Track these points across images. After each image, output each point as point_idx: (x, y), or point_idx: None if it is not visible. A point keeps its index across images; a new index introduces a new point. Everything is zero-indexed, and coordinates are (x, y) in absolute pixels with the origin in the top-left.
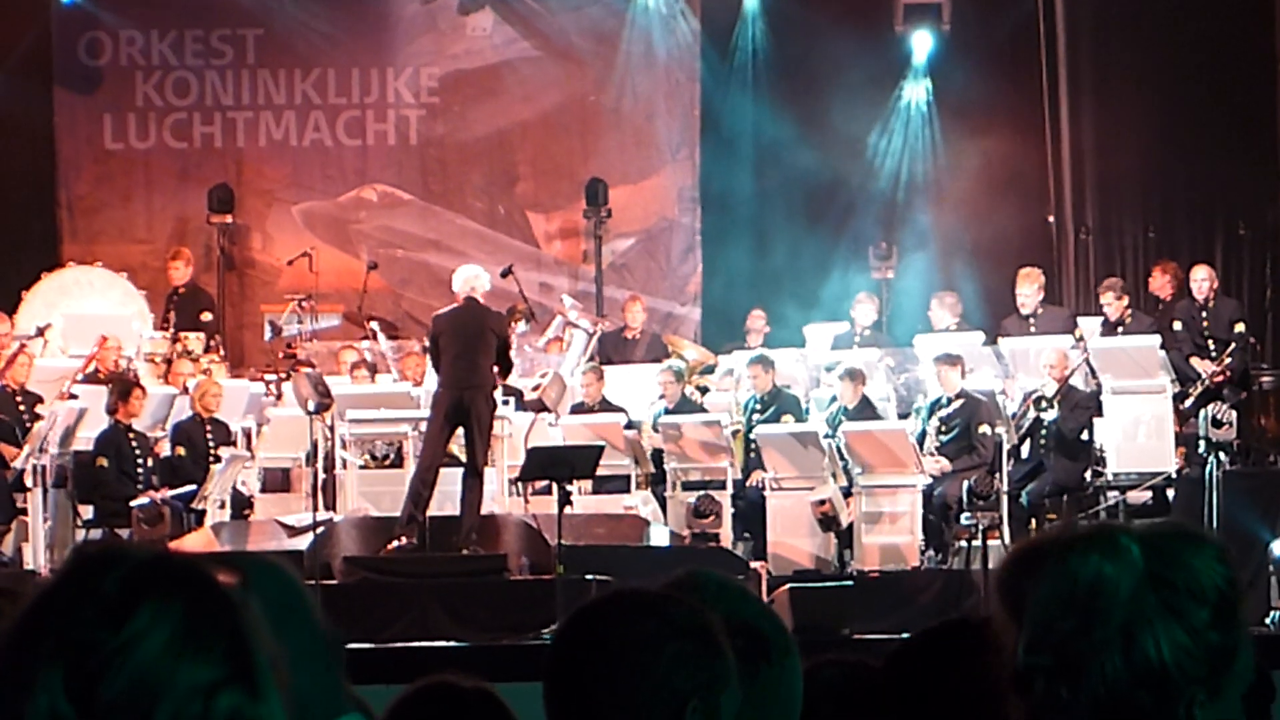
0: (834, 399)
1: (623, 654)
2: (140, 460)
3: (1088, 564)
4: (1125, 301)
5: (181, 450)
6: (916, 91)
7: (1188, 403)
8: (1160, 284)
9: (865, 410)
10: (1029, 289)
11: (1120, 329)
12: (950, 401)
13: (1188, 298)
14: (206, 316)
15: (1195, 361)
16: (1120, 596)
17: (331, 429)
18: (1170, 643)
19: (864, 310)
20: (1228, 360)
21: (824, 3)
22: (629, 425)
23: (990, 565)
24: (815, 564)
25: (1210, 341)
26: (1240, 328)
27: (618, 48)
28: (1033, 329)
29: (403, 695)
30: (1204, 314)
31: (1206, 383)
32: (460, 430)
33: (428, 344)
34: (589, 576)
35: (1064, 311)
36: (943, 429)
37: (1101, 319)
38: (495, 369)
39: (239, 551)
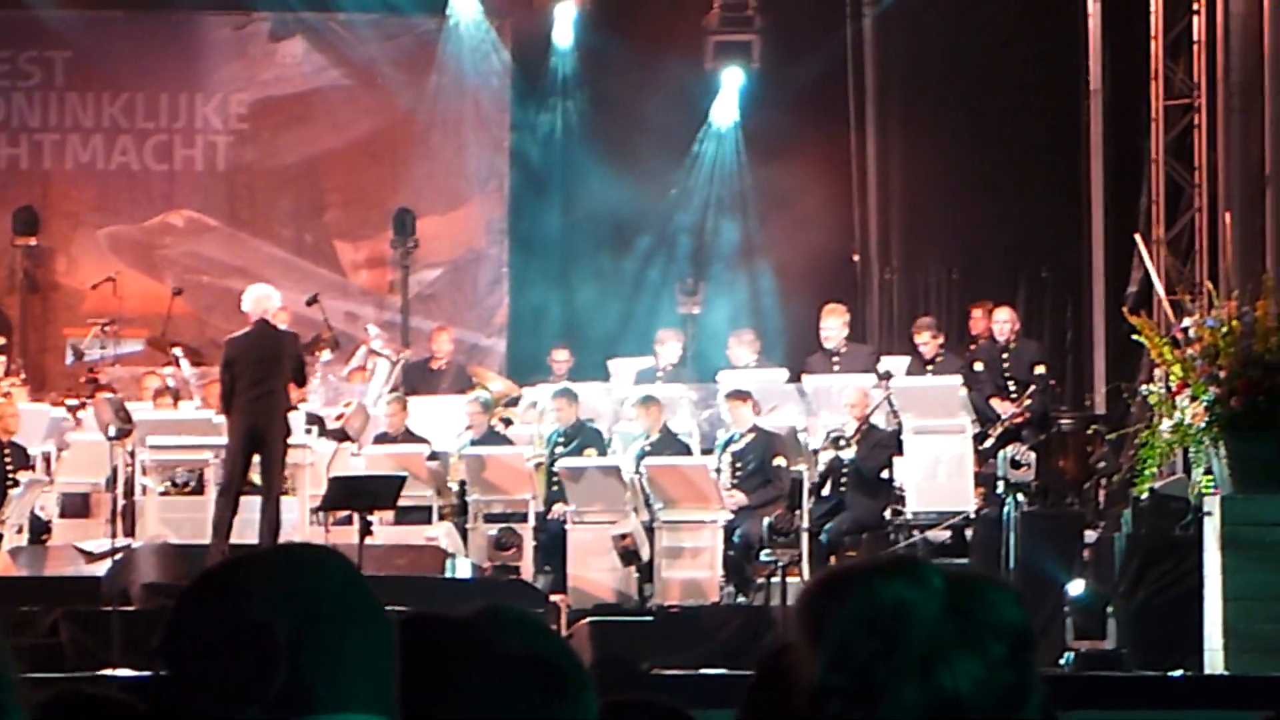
0: (645, 434)
1: (419, 681)
2: None
3: (891, 589)
4: (939, 340)
5: None
6: (726, 128)
7: (987, 443)
8: (976, 322)
9: (671, 442)
10: (834, 324)
11: (930, 368)
12: (742, 437)
13: (989, 338)
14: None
15: (995, 402)
16: (922, 624)
17: (132, 454)
18: (966, 675)
19: (666, 348)
20: (1028, 402)
21: (635, 38)
22: (432, 456)
23: (789, 602)
24: (616, 598)
25: (1011, 383)
26: (1041, 370)
27: (428, 78)
28: (836, 366)
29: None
30: (1005, 355)
31: (1006, 424)
32: (257, 457)
33: (220, 369)
34: (389, 607)
35: (867, 349)
36: (737, 464)
37: (908, 358)
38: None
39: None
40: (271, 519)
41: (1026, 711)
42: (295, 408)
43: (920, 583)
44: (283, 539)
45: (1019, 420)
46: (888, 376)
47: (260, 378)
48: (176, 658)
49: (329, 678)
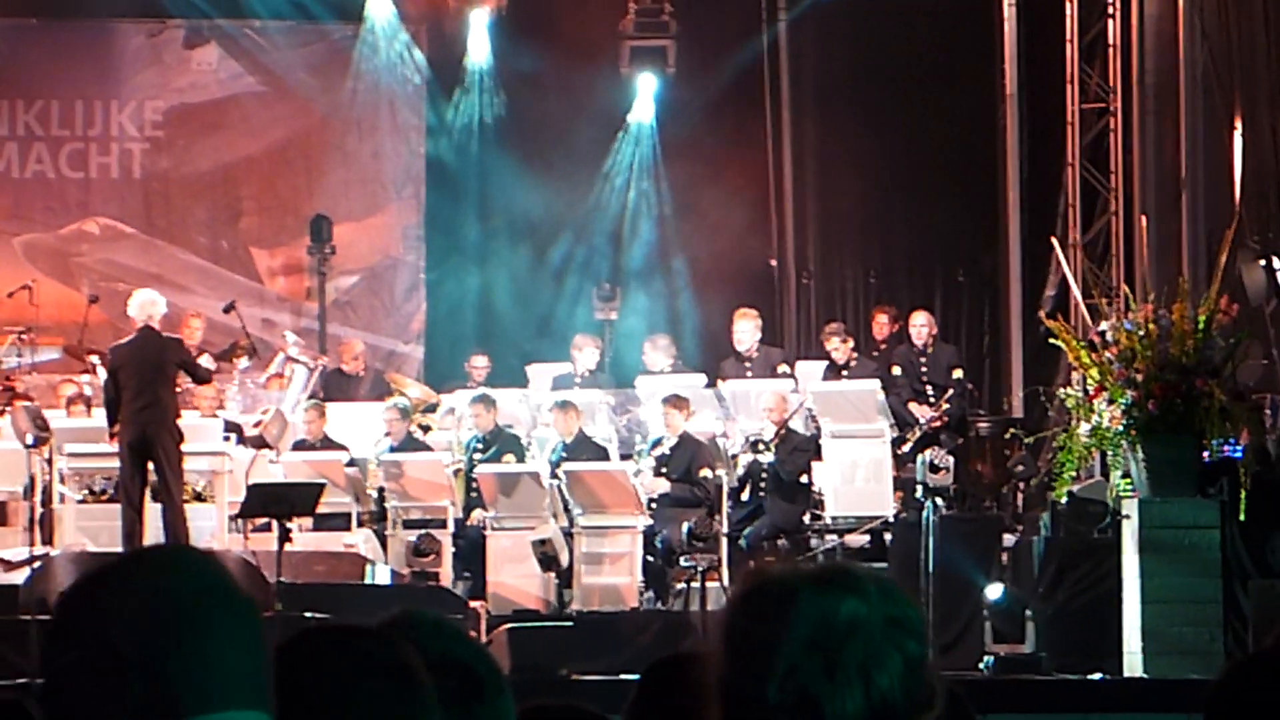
0: (561, 440)
1: (317, 691)
2: None
3: (843, 605)
4: (850, 344)
5: None
6: (641, 134)
7: (905, 447)
8: (879, 326)
9: (586, 446)
10: (746, 327)
11: (845, 373)
12: (668, 441)
13: (906, 342)
14: None
15: (913, 406)
16: (865, 635)
17: (50, 462)
18: (895, 675)
19: (584, 354)
20: (945, 406)
21: (551, 44)
22: (350, 463)
23: (709, 607)
24: (535, 604)
25: (929, 387)
26: (958, 374)
27: (344, 84)
28: (749, 370)
29: None
30: (923, 359)
31: (924, 428)
32: (151, 465)
33: (105, 380)
34: (308, 614)
35: (780, 352)
36: (662, 469)
37: (826, 363)
38: (184, 390)
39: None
40: (174, 526)
41: (935, 704)
42: (181, 414)
43: (865, 596)
44: (202, 546)
45: (937, 424)
46: (793, 378)
47: (144, 387)
48: (46, 688)
49: (194, 681)
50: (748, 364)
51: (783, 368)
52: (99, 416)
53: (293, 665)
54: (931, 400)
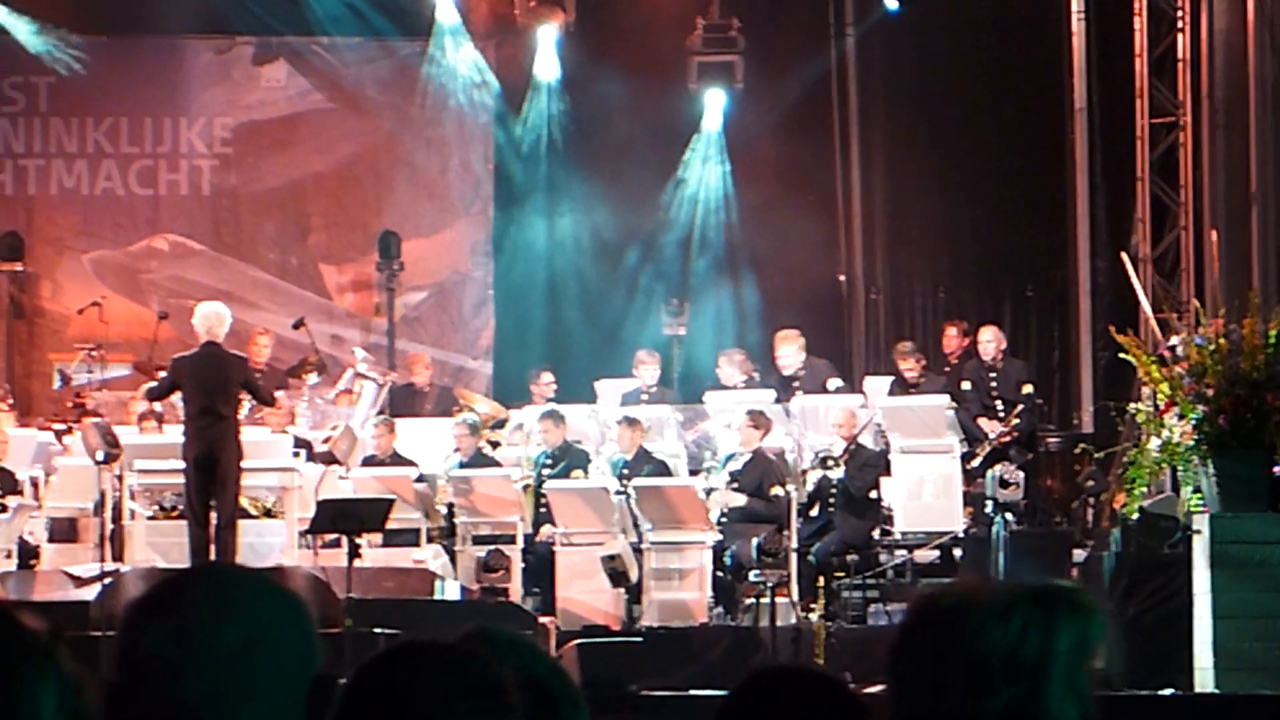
0: (622, 455)
1: (414, 708)
2: None
3: (1053, 630)
4: (923, 364)
5: None
6: (709, 149)
7: (975, 463)
8: (950, 341)
9: (644, 461)
10: (789, 351)
11: (913, 390)
12: (741, 457)
13: (976, 358)
14: None
15: (983, 422)
16: (1076, 652)
17: (120, 479)
18: (1082, 698)
19: (646, 370)
20: (1015, 421)
21: (619, 59)
22: (420, 478)
23: (778, 622)
24: (604, 619)
25: (998, 402)
26: (1028, 389)
27: (412, 100)
28: (798, 388)
29: None
30: (992, 375)
31: (994, 443)
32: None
33: (157, 386)
34: (377, 630)
35: (823, 362)
36: (733, 483)
37: (892, 378)
38: (249, 410)
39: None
40: (227, 544)
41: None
42: (242, 430)
43: (1077, 617)
44: (271, 562)
45: (1006, 439)
46: (847, 392)
47: (207, 403)
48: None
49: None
50: (796, 384)
51: (833, 382)
52: (170, 433)
53: (388, 681)
54: (1001, 415)
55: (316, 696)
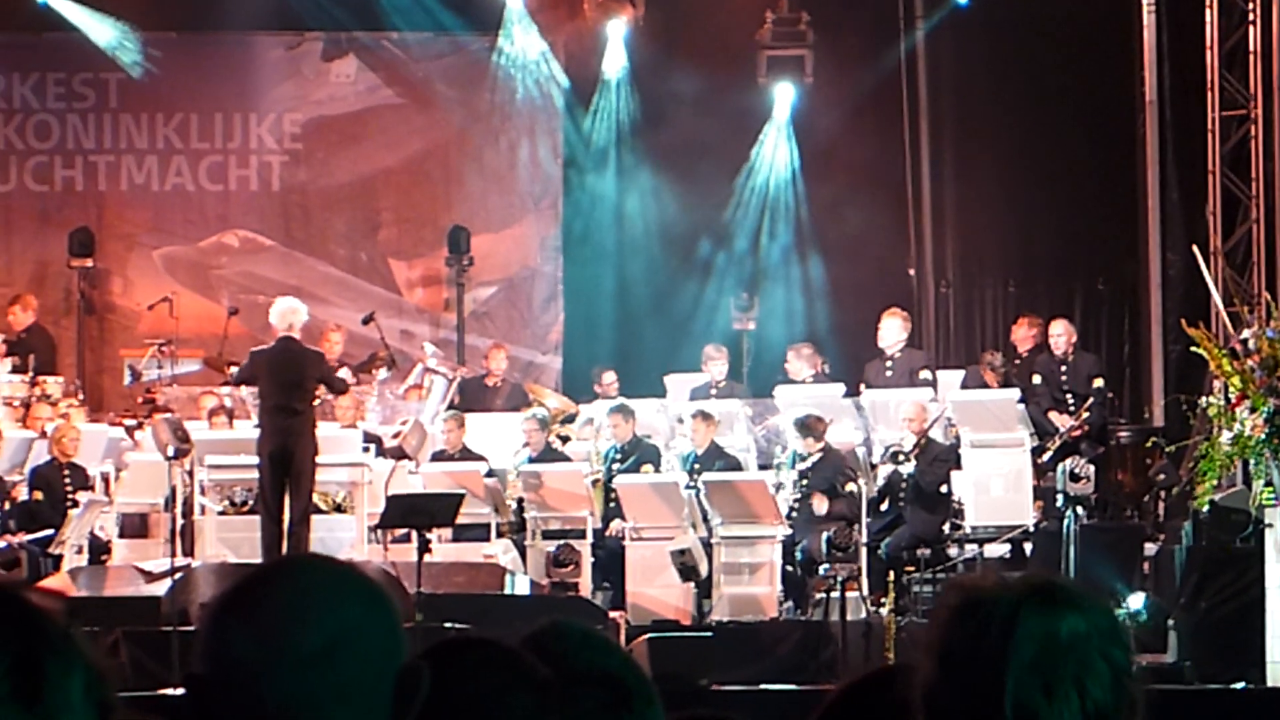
0: (693, 449)
1: (463, 702)
2: None
3: (1065, 623)
4: (1003, 369)
5: (39, 494)
6: (779, 143)
7: (1045, 456)
8: (1022, 336)
9: (716, 456)
10: (892, 325)
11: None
12: (809, 456)
13: (1046, 351)
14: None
15: (1053, 415)
16: (1083, 650)
17: (190, 474)
18: (1107, 686)
19: (715, 365)
20: (1086, 415)
21: (688, 53)
22: (489, 473)
23: (848, 617)
24: (674, 614)
25: (1069, 396)
26: (1099, 383)
27: (481, 96)
28: (889, 370)
29: None
30: (1063, 368)
31: (1064, 436)
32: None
33: (239, 371)
34: (447, 625)
35: (923, 355)
36: (803, 481)
37: (964, 372)
38: (324, 401)
39: None
40: (301, 539)
41: (1139, 709)
42: (318, 426)
43: (1084, 612)
44: (342, 557)
45: (1077, 433)
46: (929, 385)
47: (284, 398)
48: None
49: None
50: (889, 363)
51: (924, 373)
52: (240, 428)
53: (435, 677)
54: (1071, 409)
55: (404, 687)
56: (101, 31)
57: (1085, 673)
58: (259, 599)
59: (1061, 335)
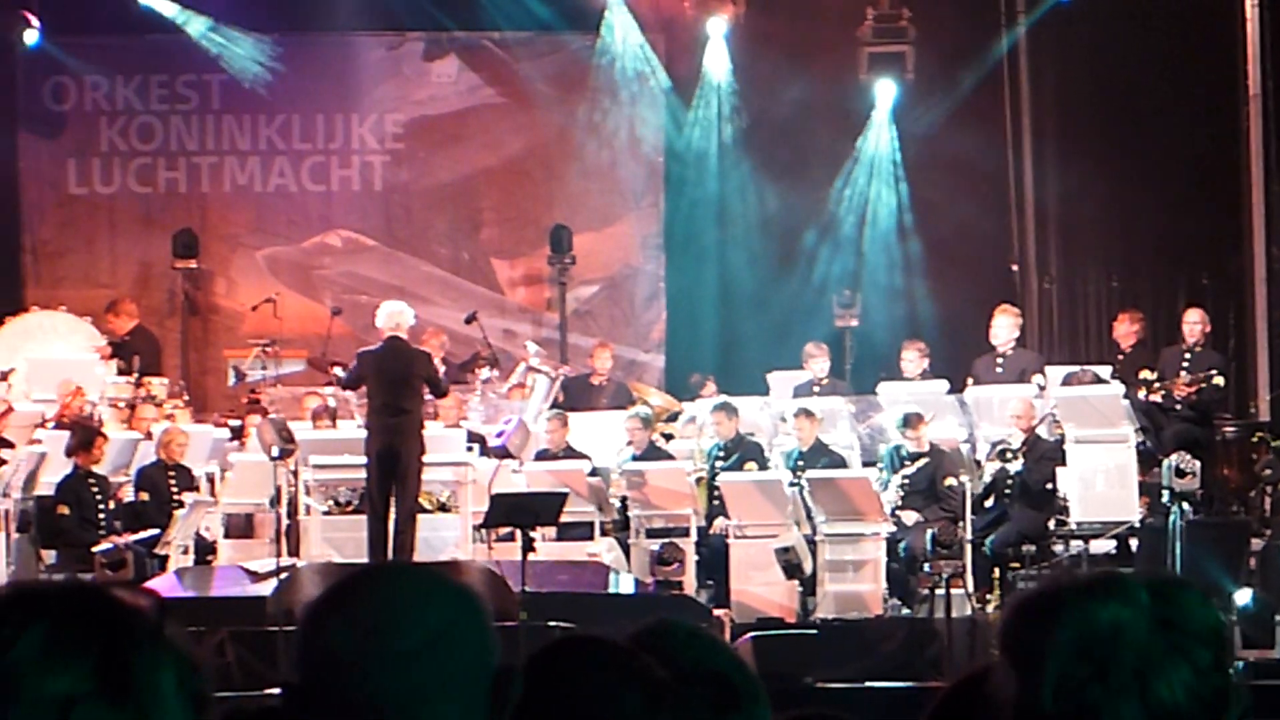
0: (798, 447)
1: (572, 702)
2: (101, 505)
3: (1105, 612)
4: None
5: (144, 495)
6: (880, 140)
7: (1156, 396)
8: (1124, 332)
9: (823, 454)
10: (1004, 323)
11: None
12: (916, 457)
13: (1177, 344)
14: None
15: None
16: (1136, 642)
17: (295, 474)
18: (1181, 685)
19: (816, 363)
20: (1201, 386)
21: (789, 51)
22: (593, 472)
23: (954, 614)
24: (779, 612)
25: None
26: (1219, 381)
27: (582, 95)
28: (999, 367)
29: None
30: (1187, 355)
31: (1173, 387)
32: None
33: (347, 373)
34: (552, 623)
35: (1033, 356)
36: (907, 480)
37: (1065, 369)
38: (426, 401)
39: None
40: (404, 536)
41: (1232, 711)
42: (425, 426)
43: (1130, 601)
44: (446, 556)
45: (1185, 391)
46: (1043, 388)
47: (391, 398)
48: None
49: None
50: (999, 360)
51: (1037, 378)
52: (344, 428)
53: (548, 676)
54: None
55: (498, 690)
56: (202, 33)
57: (1148, 668)
58: (357, 599)
59: (1197, 324)
